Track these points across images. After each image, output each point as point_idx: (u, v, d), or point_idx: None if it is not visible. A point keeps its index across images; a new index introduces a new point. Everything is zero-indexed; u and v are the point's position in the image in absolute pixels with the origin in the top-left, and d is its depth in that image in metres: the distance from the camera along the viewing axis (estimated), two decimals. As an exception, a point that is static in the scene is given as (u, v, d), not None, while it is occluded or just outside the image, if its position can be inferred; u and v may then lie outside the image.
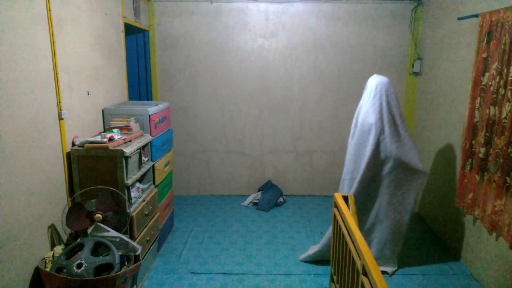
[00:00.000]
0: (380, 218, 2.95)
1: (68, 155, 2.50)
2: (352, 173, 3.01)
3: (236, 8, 4.33)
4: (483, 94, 2.87)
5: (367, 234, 3.00)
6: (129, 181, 2.59)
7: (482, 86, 2.88)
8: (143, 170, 2.89)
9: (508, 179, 2.57)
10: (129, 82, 4.02)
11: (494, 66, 2.70)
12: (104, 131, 2.92)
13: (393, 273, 3.02)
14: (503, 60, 2.62)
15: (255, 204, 4.48)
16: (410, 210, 2.93)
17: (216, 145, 4.69)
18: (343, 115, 4.60)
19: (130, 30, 4.00)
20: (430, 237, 3.68)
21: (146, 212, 2.86)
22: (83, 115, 2.74)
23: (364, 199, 2.95)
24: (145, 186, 3.02)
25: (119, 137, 2.66)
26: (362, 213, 2.98)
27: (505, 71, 2.60)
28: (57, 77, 2.36)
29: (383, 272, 2.98)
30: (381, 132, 2.84)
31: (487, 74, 2.81)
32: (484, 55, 2.83)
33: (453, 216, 3.37)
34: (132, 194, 2.74)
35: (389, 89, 2.93)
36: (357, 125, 3.02)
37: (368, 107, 2.92)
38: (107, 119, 3.04)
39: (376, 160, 2.88)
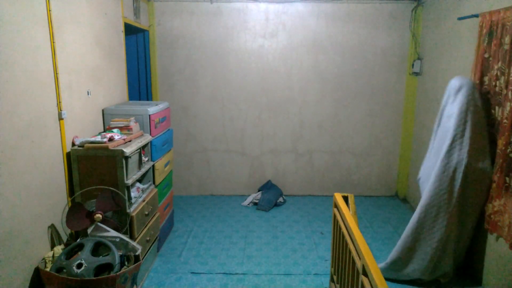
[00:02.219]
0: (448, 229, 2.80)
1: (68, 155, 2.50)
2: (427, 177, 2.91)
3: (236, 8, 4.33)
4: (485, 94, 2.87)
5: (439, 247, 2.83)
6: (129, 181, 2.59)
7: (485, 86, 2.87)
8: (143, 170, 2.89)
9: (507, 179, 2.57)
10: (129, 82, 4.02)
11: (495, 66, 2.70)
12: (104, 131, 2.92)
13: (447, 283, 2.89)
14: (504, 60, 2.61)
15: (255, 204, 4.48)
16: (472, 224, 2.82)
17: (216, 145, 4.69)
18: (343, 115, 4.60)
19: (130, 30, 4.00)
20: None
21: (146, 212, 2.86)
22: (83, 115, 2.74)
23: (435, 212, 2.79)
24: (145, 186, 3.02)
25: (119, 137, 2.66)
26: (432, 228, 2.81)
27: (507, 71, 2.59)
28: (57, 77, 2.36)
29: (435, 282, 2.89)
30: (458, 139, 2.69)
31: (488, 75, 2.81)
32: (486, 55, 2.82)
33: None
34: (132, 194, 2.74)
35: (474, 92, 2.72)
36: (439, 127, 2.89)
37: (451, 110, 2.76)
38: (107, 119, 3.04)
39: (449, 169, 2.73)
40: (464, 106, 2.70)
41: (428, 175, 2.92)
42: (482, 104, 2.74)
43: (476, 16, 2.96)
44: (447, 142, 2.73)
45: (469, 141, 2.69)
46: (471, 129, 2.69)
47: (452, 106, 2.77)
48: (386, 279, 2.93)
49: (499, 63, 2.66)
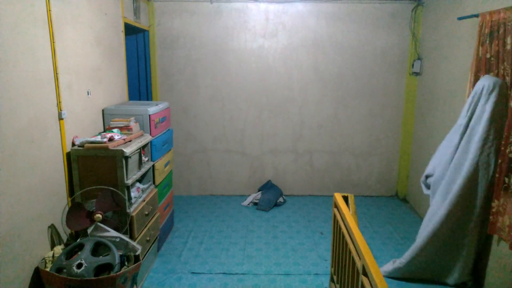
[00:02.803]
0: (469, 232, 2.79)
1: (68, 155, 2.50)
2: (449, 184, 2.81)
3: (236, 8, 4.33)
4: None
5: (457, 248, 2.83)
6: (129, 181, 2.59)
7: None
8: (143, 170, 2.89)
9: (507, 179, 2.57)
10: (129, 82, 4.02)
11: (501, 66, 2.69)
12: (104, 131, 2.92)
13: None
14: (508, 60, 2.60)
15: (255, 204, 4.49)
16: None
17: (216, 145, 4.69)
18: (343, 115, 4.60)
19: (130, 30, 4.00)
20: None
21: (146, 212, 2.86)
22: (83, 115, 2.74)
23: (461, 215, 2.76)
24: (145, 186, 3.02)
25: (119, 137, 2.66)
26: (459, 232, 2.79)
27: (509, 71, 2.59)
28: (57, 77, 2.36)
29: (463, 285, 2.86)
30: (486, 143, 2.64)
31: (491, 75, 2.79)
32: (488, 56, 2.81)
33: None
34: (132, 194, 2.74)
35: (506, 93, 2.62)
36: (469, 128, 2.77)
37: (483, 111, 2.68)
38: (107, 119, 3.04)
39: (476, 174, 2.69)
40: (497, 108, 2.63)
41: (443, 174, 2.87)
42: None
43: (476, 16, 2.96)
44: (478, 144, 2.66)
45: (498, 143, 2.65)
46: (501, 131, 2.65)
47: (484, 107, 2.68)
48: (402, 278, 2.96)
49: (504, 63, 2.65)
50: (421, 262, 2.91)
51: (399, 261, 2.99)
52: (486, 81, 2.71)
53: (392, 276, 2.99)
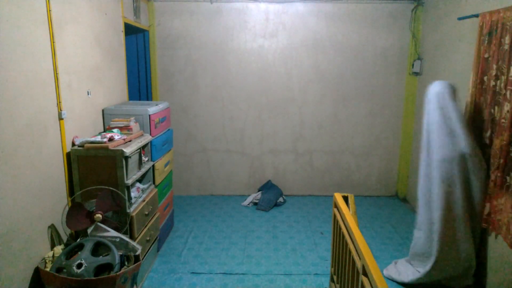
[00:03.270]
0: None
1: (68, 155, 2.50)
2: (425, 195, 2.82)
3: (236, 8, 4.33)
4: (484, 94, 2.87)
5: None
6: (129, 181, 2.59)
7: (484, 86, 2.86)
8: (143, 170, 2.89)
9: (508, 178, 2.57)
10: (129, 82, 4.02)
11: (494, 66, 2.70)
12: (104, 131, 2.92)
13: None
14: (503, 60, 2.61)
15: (255, 204, 4.48)
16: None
17: (216, 145, 4.69)
18: (343, 115, 4.60)
19: (130, 30, 4.00)
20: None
21: (146, 212, 2.86)
22: (83, 115, 2.74)
23: (452, 223, 2.71)
24: (145, 186, 3.02)
25: (119, 137, 2.66)
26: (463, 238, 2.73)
27: (506, 71, 2.59)
28: (57, 77, 2.36)
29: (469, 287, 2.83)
30: (444, 153, 2.67)
31: (488, 74, 2.81)
32: (486, 55, 2.82)
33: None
34: (132, 194, 2.74)
35: (445, 100, 2.71)
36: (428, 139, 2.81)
37: (432, 124, 2.76)
38: (107, 119, 3.04)
39: (449, 185, 2.67)
40: (443, 118, 2.71)
41: (423, 193, 2.85)
42: (457, 107, 2.73)
43: (476, 16, 2.96)
44: (436, 157, 2.69)
45: (449, 145, 2.67)
46: (449, 134, 2.68)
47: (436, 112, 2.75)
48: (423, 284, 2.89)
49: (499, 63, 2.66)
50: (435, 275, 2.84)
51: (409, 278, 2.91)
52: (435, 88, 2.78)
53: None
